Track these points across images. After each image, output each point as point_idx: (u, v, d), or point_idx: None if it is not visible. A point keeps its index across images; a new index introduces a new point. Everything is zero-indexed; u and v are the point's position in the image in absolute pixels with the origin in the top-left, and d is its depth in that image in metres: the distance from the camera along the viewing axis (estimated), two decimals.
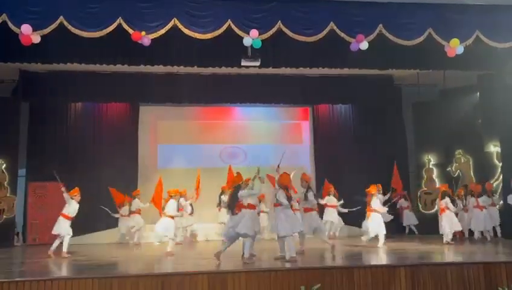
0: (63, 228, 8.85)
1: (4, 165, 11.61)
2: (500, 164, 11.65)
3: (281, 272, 5.90)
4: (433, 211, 12.91)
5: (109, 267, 7.56)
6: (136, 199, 11.60)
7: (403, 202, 12.54)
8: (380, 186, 11.90)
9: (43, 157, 12.05)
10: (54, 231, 8.85)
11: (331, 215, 11.72)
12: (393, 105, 13.73)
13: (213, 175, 11.74)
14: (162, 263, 7.80)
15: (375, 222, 9.45)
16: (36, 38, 7.96)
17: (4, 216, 11.43)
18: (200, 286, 5.69)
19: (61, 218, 8.92)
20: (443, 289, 5.97)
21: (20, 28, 7.80)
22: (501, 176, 11.56)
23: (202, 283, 5.70)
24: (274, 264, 6.84)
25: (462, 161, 12.84)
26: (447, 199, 9.97)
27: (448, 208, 9.83)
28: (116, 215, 11.66)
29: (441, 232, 9.87)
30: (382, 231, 9.43)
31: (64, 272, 6.61)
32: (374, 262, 7.06)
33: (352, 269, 6.01)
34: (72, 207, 8.95)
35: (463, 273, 6.05)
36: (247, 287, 5.73)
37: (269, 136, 13.71)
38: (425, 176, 13.57)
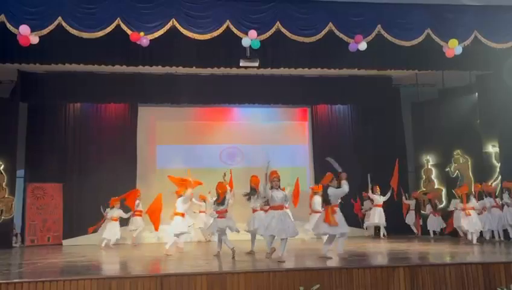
0: (185, 226, 9.04)
1: (2, 165, 11.59)
2: (499, 165, 11.67)
3: (280, 273, 5.89)
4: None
5: (108, 268, 7.56)
6: (137, 200, 11.58)
7: (367, 203, 12.46)
8: (378, 188, 11.97)
9: (42, 158, 12.06)
10: (177, 231, 8.86)
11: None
12: (392, 105, 13.75)
13: (212, 176, 11.70)
14: (161, 263, 7.78)
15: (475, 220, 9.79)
16: (34, 39, 7.95)
17: (2, 217, 11.41)
18: (199, 287, 5.67)
19: (178, 217, 8.89)
20: (442, 289, 5.96)
21: (18, 29, 7.79)
22: (499, 177, 11.58)
23: (201, 284, 5.68)
24: (272, 265, 6.82)
25: (461, 161, 12.85)
26: (490, 199, 10.40)
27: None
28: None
29: (485, 229, 10.30)
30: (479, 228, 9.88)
31: (62, 273, 6.59)
32: (373, 263, 7.05)
33: (352, 270, 6.00)
34: (185, 205, 9.06)
35: (462, 273, 6.05)
36: (246, 287, 5.72)
37: (268, 137, 13.72)
38: (424, 176, 13.59)
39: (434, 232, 12.29)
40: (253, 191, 8.57)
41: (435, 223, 12.22)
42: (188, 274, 5.90)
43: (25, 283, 5.45)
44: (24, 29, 7.77)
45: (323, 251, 7.46)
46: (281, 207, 7.36)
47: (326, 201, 7.56)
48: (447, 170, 13.09)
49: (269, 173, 7.40)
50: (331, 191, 7.48)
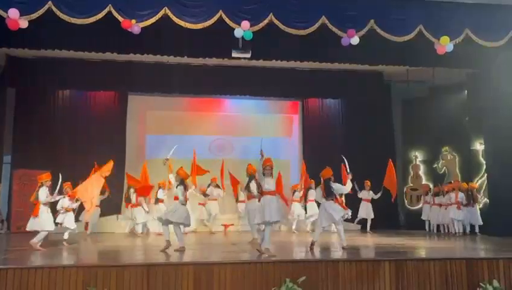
0: None
1: None
2: (485, 162, 11.80)
3: (266, 264, 5.92)
4: (418, 206, 13.11)
5: (95, 256, 7.53)
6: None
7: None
8: (369, 183, 12.06)
9: (29, 144, 11.92)
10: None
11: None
12: (382, 101, 13.81)
13: (202, 166, 11.68)
14: (148, 253, 7.78)
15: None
16: (24, 23, 7.80)
17: None
18: (186, 277, 5.68)
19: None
20: (426, 283, 6.05)
21: (7, 12, 7.64)
22: (485, 174, 11.71)
23: (188, 274, 5.69)
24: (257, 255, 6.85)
25: (449, 158, 13.00)
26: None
27: None
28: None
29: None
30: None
31: (48, 260, 6.55)
32: (358, 256, 7.12)
33: (338, 262, 6.05)
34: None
35: (446, 268, 6.14)
36: (232, 278, 5.74)
37: (259, 129, 13.66)
38: (412, 172, 13.72)
39: None
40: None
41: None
42: (175, 264, 5.91)
43: (10, 269, 5.41)
44: (13, 12, 7.61)
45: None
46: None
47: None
48: (434, 166, 13.23)
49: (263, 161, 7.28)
50: None
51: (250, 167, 8.88)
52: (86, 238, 10.38)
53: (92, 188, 8.64)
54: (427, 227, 12.31)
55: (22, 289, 5.30)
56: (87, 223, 11.00)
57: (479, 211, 11.17)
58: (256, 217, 7.11)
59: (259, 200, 7.24)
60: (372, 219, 12.12)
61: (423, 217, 12.35)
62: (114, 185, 11.67)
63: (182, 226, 7.74)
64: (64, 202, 9.15)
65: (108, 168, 8.95)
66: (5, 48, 10.33)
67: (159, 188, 11.42)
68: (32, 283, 5.34)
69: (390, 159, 11.68)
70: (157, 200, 11.42)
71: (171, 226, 7.67)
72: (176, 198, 7.80)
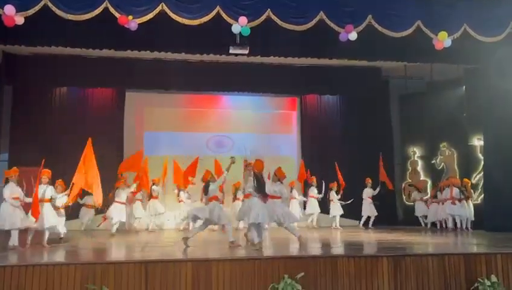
0: None
1: None
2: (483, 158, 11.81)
3: (265, 261, 5.91)
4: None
5: (92, 253, 7.52)
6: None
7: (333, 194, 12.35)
8: (370, 180, 12.10)
9: (26, 142, 11.85)
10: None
11: (314, 207, 11.93)
12: (381, 97, 13.83)
13: (200, 163, 11.67)
14: (146, 250, 7.76)
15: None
16: (20, 20, 7.75)
17: None
18: (184, 273, 5.66)
19: None
20: (424, 279, 6.05)
21: (3, 9, 7.59)
22: (483, 170, 11.72)
23: (186, 271, 5.67)
24: (256, 253, 6.85)
25: (447, 153, 13.01)
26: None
27: None
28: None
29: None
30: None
31: (46, 258, 6.53)
32: (357, 252, 7.12)
33: (336, 258, 6.04)
34: None
35: (444, 263, 6.14)
36: (231, 275, 5.73)
37: (257, 126, 13.70)
38: (410, 168, 13.73)
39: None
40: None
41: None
42: (173, 261, 5.89)
43: (7, 267, 5.39)
44: (9, 9, 7.56)
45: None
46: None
47: None
48: (433, 162, 13.24)
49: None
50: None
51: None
52: (80, 234, 10.40)
53: (90, 175, 8.87)
54: (422, 223, 12.33)
55: (19, 287, 5.26)
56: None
57: (472, 206, 11.23)
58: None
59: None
60: (375, 216, 12.17)
61: (416, 214, 12.45)
62: (113, 182, 11.61)
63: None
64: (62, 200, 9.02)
65: (90, 148, 9.05)
66: (1, 45, 10.24)
67: (153, 184, 11.45)
68: (30, 281, 5.31)
69: (380, 154, 12.13)
70: (151, 196, 11.47)
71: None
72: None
